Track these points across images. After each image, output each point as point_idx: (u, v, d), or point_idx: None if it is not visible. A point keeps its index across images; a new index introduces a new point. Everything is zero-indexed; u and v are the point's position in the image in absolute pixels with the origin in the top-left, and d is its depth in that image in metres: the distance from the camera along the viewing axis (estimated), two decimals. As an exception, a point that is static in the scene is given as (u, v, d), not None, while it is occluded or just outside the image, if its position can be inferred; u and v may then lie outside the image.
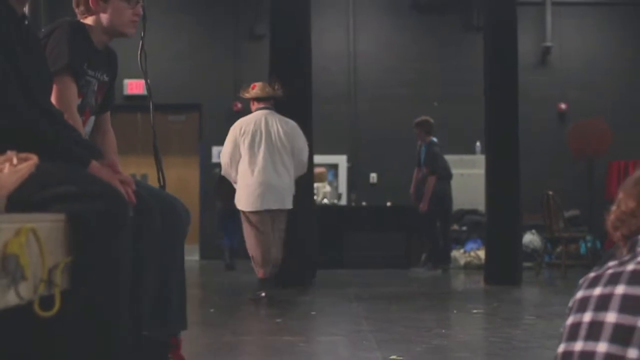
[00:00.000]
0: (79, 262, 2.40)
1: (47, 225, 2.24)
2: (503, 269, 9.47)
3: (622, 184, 2.50)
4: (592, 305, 2.25)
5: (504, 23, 10.13)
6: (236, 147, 7.52)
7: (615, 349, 2.12)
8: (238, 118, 13.34)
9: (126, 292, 2.50)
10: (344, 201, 13.66)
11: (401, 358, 4.58)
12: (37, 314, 2.09)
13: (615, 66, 14.29)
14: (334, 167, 14.03)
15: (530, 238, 12.48)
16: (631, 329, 2.12)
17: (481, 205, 11.79)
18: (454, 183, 11.83)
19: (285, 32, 9.65)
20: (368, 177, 14.00)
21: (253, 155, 7.45)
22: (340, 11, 14.08)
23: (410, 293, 8.76)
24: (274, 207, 7.51)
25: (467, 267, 11.85)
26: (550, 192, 11.15)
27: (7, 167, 2.47)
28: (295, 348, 4.96)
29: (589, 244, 12.30)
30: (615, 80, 14.20)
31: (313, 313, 6.94)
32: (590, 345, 2.19)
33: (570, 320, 2.31)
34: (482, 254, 10.97)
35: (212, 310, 7.05)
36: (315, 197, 12.15)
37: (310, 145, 8.59)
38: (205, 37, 13.89)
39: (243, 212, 7.58)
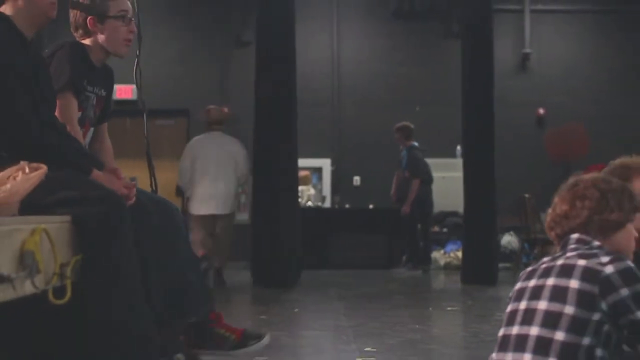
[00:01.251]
0: (81, 261, 2.74)
1: (57, 226, 2.58)
2: (480, 269, 9.81)
3: (558, 190, 2.86)
4: (527, 295, 2.62)
5: (480, 31, 10.50)
6: (191, 162, 9.20)
7: (545, 332, 2.49)
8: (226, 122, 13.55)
9: (129, 288, 2.82)
10: (327, 203, 13.90)
11: (375, 350, 4.94)
12: (51, 302, 2.43)
13: (593, 72, 14.67)
14: (318, 171, 14.26)
15: (508, 239, 12.81)
16: (559, 315, 2.48)
17: (462, 208, 12.06)
18: (435, 186, 12.16)
19: (271, 39, 9.94)
20: (351, 180, 14.27)
21: (204, 170, 9.07)
22: (324, 18, 14.38)
23: (390, 292, 9.11)
24: (217, 212, 9.18)
25: (447, 267, 12.18)
26: (527, 195, 11.49)
27: (20, 175, 2.81)
28: (278, 341, 5.29)
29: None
30: (593, 86, 14.57)
31: (296, 310, 7.28)
32: (524, 329, 2.55)
33: (509, 308, 2.68)
34: (461, 254, 11.29)
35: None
36: (299, 200, 12.48)
37: (294, 149, 9.41)
38: (193, 44, 14.15)
39: (193, 215, 9.19)
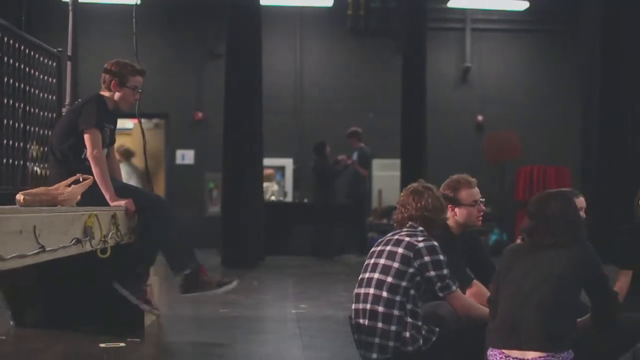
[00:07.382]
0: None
1: (102, 212, 4.39)
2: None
3: (409, 189, 4.63)
4: (375, 255, 4.45)
5: (416, 49, 12.26)
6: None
7: (382, 277, 4.32)
8: (199, 126, 15.46)
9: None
10: (289, 198, 15.49)
11: (306, 306, 6.80)
12: (98, 256, 4.24)
13: (526, 84, 16.46)
14: (281, 169, 15.81)
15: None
16: (390, 267, 4.31)
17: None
18: (384, 183, 13.84)
19: (239, 52, 11.42)
20: (311, 178, 15.64)
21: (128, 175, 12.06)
22: (289, 35, 16.02)
23: (336, 272, 10.92)
24: None
25: (393, 254, 13.84)
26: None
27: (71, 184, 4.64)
28: (237, 300, 7.15)
29: (495, 236, 14.61)
30: (526, 96, 16.35)
31: (255, 283, 9.10)
32: (371, 275, 4.38)
33: (365, 262, 4.51)
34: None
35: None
36: (264, 195, 14.19)
37: (260, 150, 11.08)
38: (172, 56, 15.69)
39: None
